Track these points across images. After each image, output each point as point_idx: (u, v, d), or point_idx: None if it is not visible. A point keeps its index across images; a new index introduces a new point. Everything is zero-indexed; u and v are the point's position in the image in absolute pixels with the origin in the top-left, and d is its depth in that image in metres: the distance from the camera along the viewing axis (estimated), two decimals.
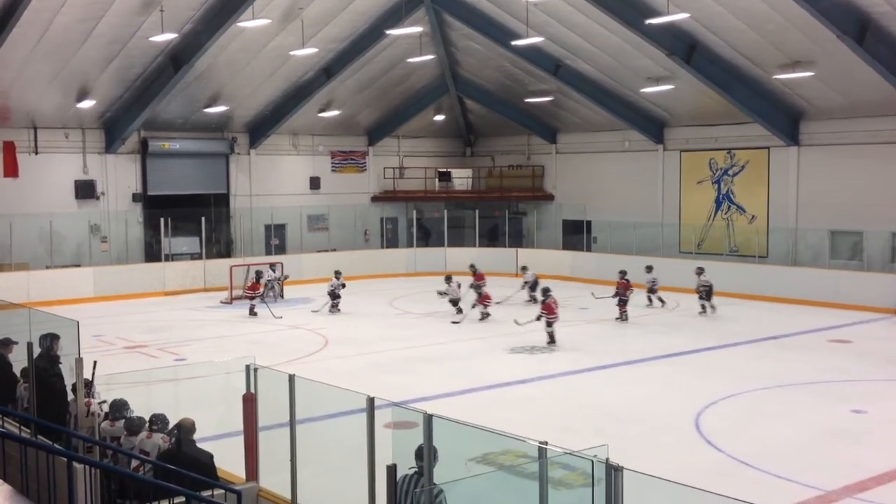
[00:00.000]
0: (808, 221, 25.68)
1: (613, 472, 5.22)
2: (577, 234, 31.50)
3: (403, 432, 6.98)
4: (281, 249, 30.83)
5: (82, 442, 8.28)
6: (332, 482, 9.59)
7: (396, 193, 34.51)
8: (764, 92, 25.02)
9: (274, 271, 24.95)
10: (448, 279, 22.38)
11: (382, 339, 19.29)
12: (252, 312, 22.44)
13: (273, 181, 31.64)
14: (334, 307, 22.74)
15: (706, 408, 13.42)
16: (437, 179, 35.03)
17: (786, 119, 25.80)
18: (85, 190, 27.56)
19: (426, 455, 6.25)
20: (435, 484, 6.23)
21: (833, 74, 22.86)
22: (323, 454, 10.19)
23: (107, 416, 8.99)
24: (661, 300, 23.20)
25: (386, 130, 34.03)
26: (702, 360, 17.12)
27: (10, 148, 26.13)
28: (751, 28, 22.02)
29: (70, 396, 9.14)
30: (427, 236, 33.24)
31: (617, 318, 21.16)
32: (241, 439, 8.40)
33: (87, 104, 25.84)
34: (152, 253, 28.49)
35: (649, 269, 23.55)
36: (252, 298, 22.75)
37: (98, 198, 27.89)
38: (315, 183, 32.77)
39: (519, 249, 31.24)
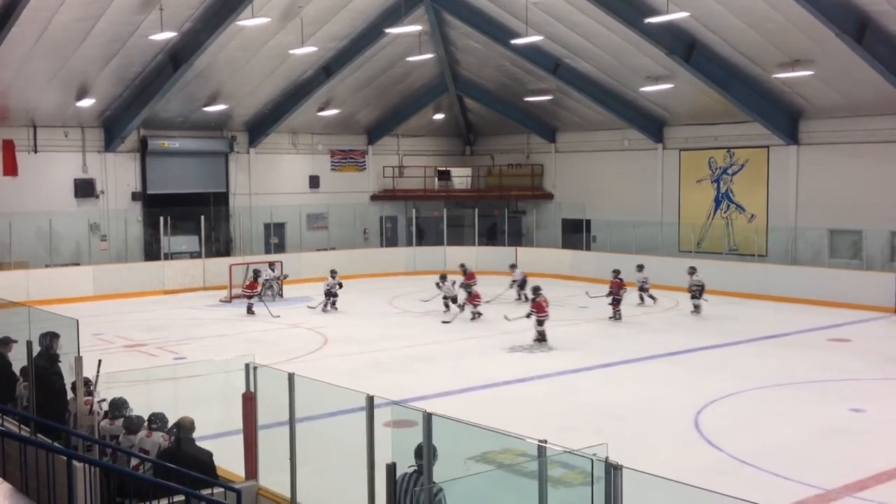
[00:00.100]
0: (808, 220, 25.69)
1: (613, 471, 5.22)
2: (576, 233, 31.50)
3: (403, 431, 6.98)
4: (280, 248, 30.83)
5: (82, 440, 8.28)
6: (332, 481, 9.59)
7: (396, 192, 34.51)
8: (763, 91, 25.02)
9: (273, 271, 24.94)
10: (443, 278, 22.37)
11: (382, 337, 19.29)
12: (250, 311, 22.43)
13: (272, 180, 31.64)
14: (332, 306, 22.75)
15: (706, 406, 13.42)
16: (436, 178, 35.02)
17: (785, 118, 25.80)
18: (84, 189, 27.56)
19: (426, 454, 6.26)
20: (434, 483, 6.23)
21: (832, 73, 22.86)
22: (322, 453, 10.19)
23: (106, 414, 8.99)
24: (652, 297, 23.30)
25: (385, 129, 34.03)
26: (701, 359, 17.12)
27: (9, 146, 26.12)
28: (750, 27, 22.01)
29: (69, 395, 9.14)
30: (421, 235, 33.23)
31: (610, 318, 21.15)
32: (240, 438, 8.40)
33: (86, 103, 25.83)
34: (152, 252, 28.49)
35: (640, 267, 23.61)
36: (250, 297, 22.74)
37: (97, 196, 27.89)
38: (314, 182, 32.77)
39: (518, 248, 31.24)
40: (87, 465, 7.03)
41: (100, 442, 8.39)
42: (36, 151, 26.71)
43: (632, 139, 30.22)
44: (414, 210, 32.96)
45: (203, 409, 10.83)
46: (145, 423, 8.55)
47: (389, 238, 34.37)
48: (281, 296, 25.13)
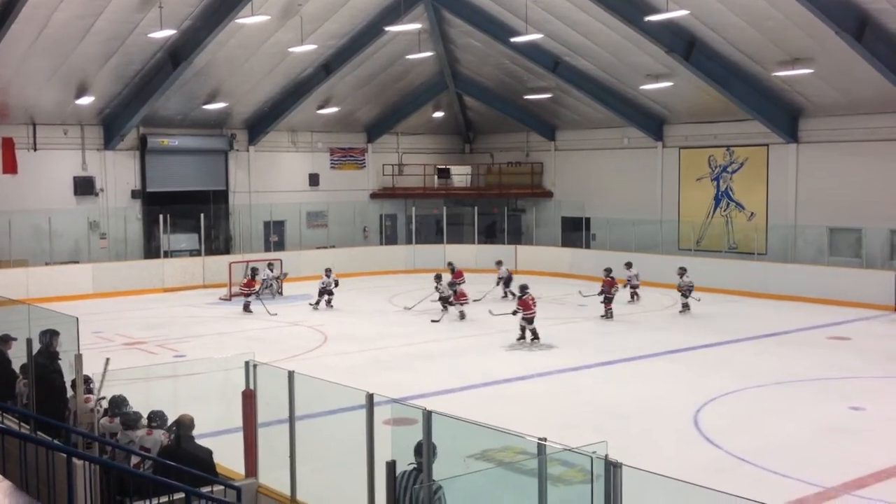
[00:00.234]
0: (807, 218, 25.69)
1: (612, 469, 5.22)
2: (575, 231, 31.50)
3: (403, 429, 6.98)
4: (280, 246, 30.83)
5: (82, 438, 8.28)
6: (332, 478, 9.59)
7: (395, 190, 34.50)
8: (763, 89, 25.02)
9: (272, 270, 24.92)
10: (438, 278, 22.35)
11: (381, 335, 19.29)
12: (247, 309, 22.43)
13: (272, 178, 31.62)
14: (327, 304, 22.76)
15: (705, 404, 13.43)
16: (436, 176, 35.01)
17: (785, 116, 25.80)
18: (84, 186, 27.55)
19: (425, 451, 6.26)
20: (434, 480, 6.23)
21: (832, 71, 22.86)
22: (322, 450, 10.19)
23: (106, 412, 8.99)
24: (637, 295, 23.46)
25: (385, 127, 34.01)
26: (701, 357, 17.13)
27: (8, 144, 26.10)
28: (750, 25, 22.01)
29: (69, 392, 9.14)
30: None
31: (602, 316, 21.12)
32: (240, 436, 8.40)
33: (85, 100, 25.81)
34: (151, 249, 28.49)
35: (629, 265, 23.69)
36: (247, 295, 22.73)
37: (97, 194, 27.87)
38: (314, 180, 32.76)
39: (518, 246, 31.27)
40: (86, 463, 7.04)
41: (99, 439, 8.39)
42: (35, 149, 26.70)
43: (631, 137, 30.21)
44: (414, 208, 32.93)
45: (203, 406, 10.84)
46: (143, 420, 8.55)
47: (389, 236, 34.37)
48: (281, 294, 25.13)
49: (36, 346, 9.47)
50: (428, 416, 6.22)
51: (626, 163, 30.66)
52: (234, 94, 28.56)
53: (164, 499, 6.89)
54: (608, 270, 21.70)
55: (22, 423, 8.81)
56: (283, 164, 32.12)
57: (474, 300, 22.36)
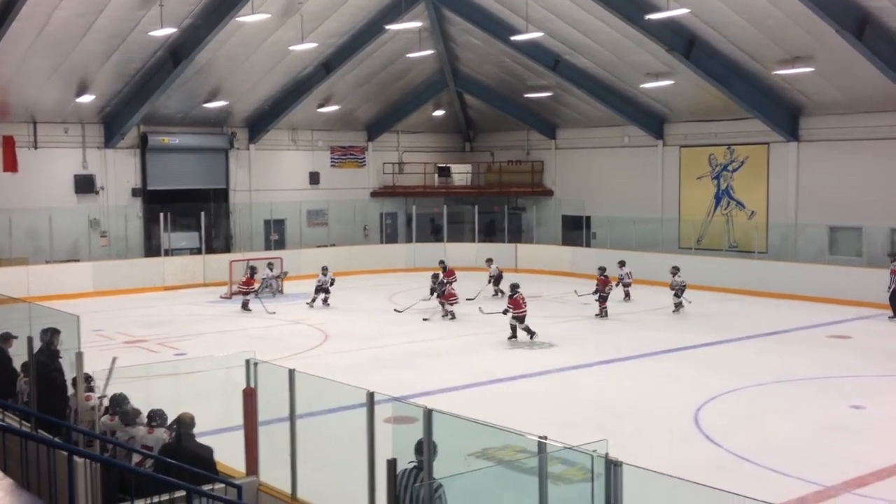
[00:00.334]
0: (808, 217, 25.69)
1: (613, 467, 5.23)
2: (576, 230, 31.51)
3: (403, 427, 6.99)
4: (280, 244, 30.84)
5: (82, 436, 8.29)
6: (332, 477, 9.60)
7: (396, 189, 34.50)
8: (763, 87, 25.01)
9: (272, 270, 24.93)
10: (435, 277, 22.37)
11: (382, 334, 19.30)
12: (245, 308, 22.42)
13: (272, 176, 31.63)
14: (323, 302, 22.78)
15: (705, 403, 13.44)
16: (436, 175, 35.01)
17: (785, 115, 25.79)
18: (84, 185, 27.55)
19: (426, 450, 6.27)
20: (434, 479, 6.24)
21: (832, 70, 22.85)
22: (323, 449, 10.20)
23: (107, 410, 9.00)
24: (629, 294, 23.53)
25: (385, 126, 34.01)
26: (701, 356, 17.13)
27: (9, 142, 26.10)
28: (750, 23, 22.00)
29: (70, 391, 9.15)
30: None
31: (596, 315, 21.11)
32: (241, 434, 8.41)
33: (86, 99, 25.82)
34: (152, 248, 28.49)
35: (622, 263, 23.76)
36: (246, 294, 22.73)
37: (97, 192, 27.88)
38: (314, 178, 32.76)
39: (518, 245, 31.28)
40: (87, 461, 7.04)
41: (100, 437, 8.40)
42: (36, 147, 26.70)
43: (632, 136, 30.21)
44: (414, 207, 32.92)
45: (203, 404, 10.84)
46: (142, 416, 8.55)
47: (389, 234, 34.37)
48: (281, 292, 25.13)
49: (37, 345, 9.48)
50: (428, 414, 6.22)
51: (627, 161, 30.66)
52: (235, 93, 28.56)
53: (165, 497, 6.89)
54: (602, 269, 21.71)
55: (23, 421, 8.81)
56: (283, 163, 32.11)
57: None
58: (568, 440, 6.03)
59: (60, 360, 9.60)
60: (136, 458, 8.04)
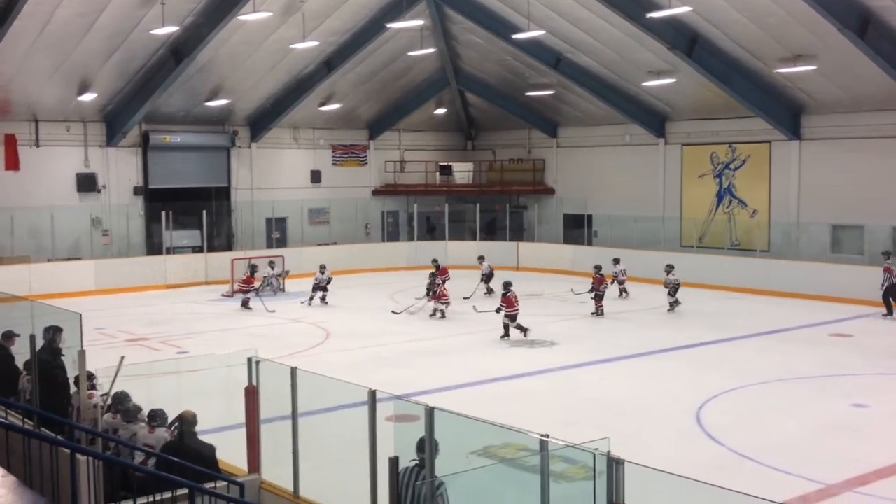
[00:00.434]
0: (810, 215, 25.67)
1: (615, 466, 5.23)
2: (577, 228, 31.50)
3: (405, 425, 7.00)
4: (282, 243, 30.86)
5: (85, 434, 8.30)
6: (334, 474, 9.61)
7: (397, 187, 34.50)
8: (765, 86, 25.00)
9: (273, 269, 24.94)
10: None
11: (384, 332, 19.30)
12: (245, 306, 22.43)
13: (274, 174, 31.64)
14: (321, 300, 22.81)
15: (707, 401, 13.43)
16: (437, 173, 35.02)
17: (787, 113, 25.77)
18: (86, 183, 27.57)
19: (428, 448, 6.27)
20: (436, 476, 6.25)
21: (834, 68, 22.83)
22: (325, 447, 10.20)
23: (109, 408, 9.01)
24: (625, 291, 23.57)
25: (387, 124, 34.01)
26: (703, 355, 17.13)
27: (11, 141, 26.13)
28: (752, 21, 21.99)
29: (72, 389, 9.16)
30: (432, 229, 33.24)
31: (592, 314, 21.10)
32: (243, 432, 8.42)
33: (88, 97, 25.83)
34: (153, 246, 28.51)
35: (616, 261, 23.79)
36: (246, 292, 22.74)
37: (99, 191, 27.90)
38: (316, 176, 32.76)
39: (520, 243, 31.28)
40: (90, 459, 7.06)
41: (103, 435, 8.41)
42: (38, 146, 26.72)
43: (633, 134, 30.19)
44: (416, 205, 32.91)
45: (205, 402, 10.85)
46: (143, 413, 8.55)
47: (391, 233, 34.37)
48: (283, 291, 25.15)
49: (39, 343, 9.49)
50: (430, 412, 6.23)
51: (629, 160, 30.64)
52: (237, 91, 28.56)
53: (168, 494, 6.90)
54: (598, 267, 21.70)
55: (26, 420, 8.82)
56: (285, 161, 32.12)
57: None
58: (569, 439, 6.03)
59: (63, 358, 9.61)
60: (138, 457, 8.05)
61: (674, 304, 21.63)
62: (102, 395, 9.23)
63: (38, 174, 26.62)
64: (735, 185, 27.87)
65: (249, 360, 8.26)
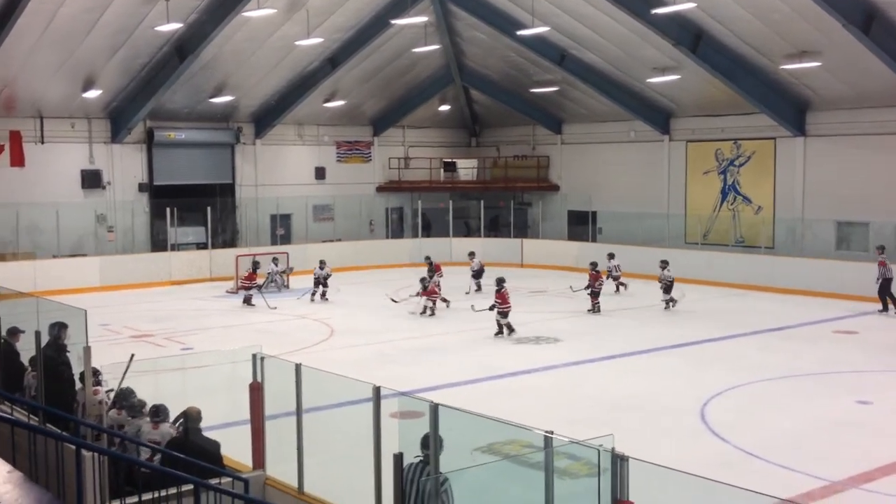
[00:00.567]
0: (815, 212, 25.62)
1: (619, 462, 5.23)
2: (582, 225, 31.47)
3: (409, 422, 7.00)
4: (286, 239, 30.88)
5: (90, 430, 8.32)
6: (339, 471, 9.62)
7: (401, 184, 34.49)
8: (770, 82, 24.94)
9: (276, 265, 24.95)
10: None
11: (387, 329, 19.31)
12: (247, 302, 22.44)
13: (278, 171, 31.66)
14: (322, 297, 22.84)
15: (712, 398, 13.42)
16: (442, 170, 35.01)
17: (792, 109, 25.71)
18: (91, 180, 27.62)
19: (432, 444, 6.27)
20: (441, 473, 6.25)
21: (840, 65, 22.77)
22: (329, 443, 10.22)
23: (114, 404, 9.03)
24: (623, 285, 23.62)
25: (391, 121, 34.01)
26: (707, 351, 17.11)
27: (16, 137, 26.16)
28: (757, 18, 21.93)
29: (78, 385, 9.18)
30: (428, 226, 33.24)
31: (589, 310, 21.05)
32: (247, 428, 8.43)
33: (92, 94, 25.86)
34: (158, 243, 28.55)
35: (611, 256, 23.81)
36: (248, 289, 22.75)
37: (104, 187, 27.94)
38: (320, 173, 32.77)
39: (524, 240, 31.26)
40: (95, 454, 7.07)
41: (108, 431, 8.43)
42: (43, 142, 26.76)
43: (638, 131, 30.15)
44: (420, 202, 32.90)
45: (210, 399, 10.87)
46: (146, 409, 8.57)
47: (395, 229, 34.38)
48: (287, 287, 25.17)
49: (44, 339, 9.51)
50: (434, 408, 6.23)
51: (633, 156, 30.60)
52: (241, 88, 28.58)
53: (173, 490, 6.91)
54: (594, 264, 21.68)
55: (31, 415, 8.85)
56: (289, 158, 32.14)
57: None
58: (573, 435, 6.04)
59: (68, 354, 9.63)
60: (143, 453, 8.07)
61: (669, 302, 21.50)
62: (108, 392, 9.25)
63: (43, 171, 26.66)
64: (740, 181, 27.82)
65: (254, 356, 8.27)
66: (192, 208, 28.41)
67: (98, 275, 25.24)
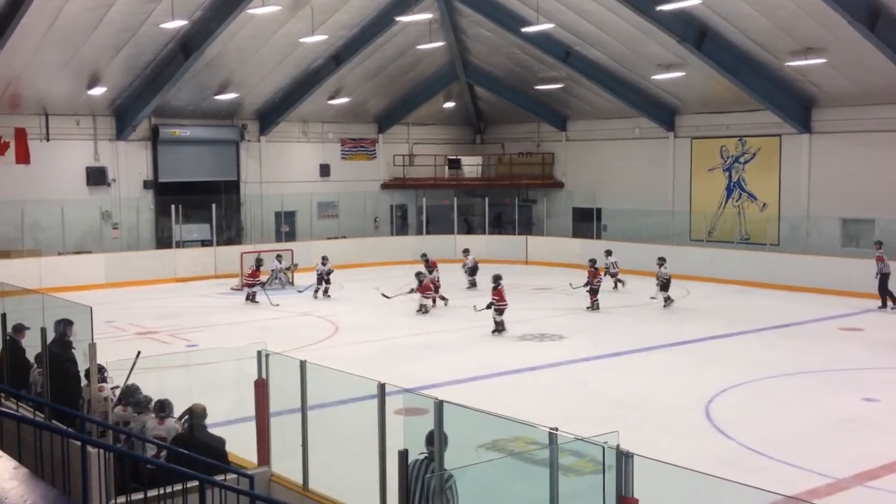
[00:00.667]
0: (820, 209, 25.57)
1: (624, 459, 5.23)
2: (586, 222, 31.44)
3: (414, 418, 7.01)
4: (291, 236, 30.90)
5: (96, 426, 8.34)
6: (344, 467, 9.64)
7: (406, 181, 34.50)
8: (775, 79, 24.88)
9: (280, 262, 24.98)
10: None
11: (392, 326, 19.33)
12: (252, 300, 22.46)
13: (283, 168, 31.68)
14: (324, 293, 22.89)
15: (716, 395, 13.41)
16: (446, 167, 35.00)
17: (797, 106, 25.65)
18: (96, 177, 27.67)
19: (437, 441, 6.28)
20: (445, 469, 6.26)
21: (845, 61, 22.71)
22: (334, 440, 10.24)
23: (119, 400, 9.05)
24: (621, 281, 23.68)
25: (395, 118, 34.00)
26: (712, 348, 17.10)
27: (21, 135, 26.22)
28: (762, 14, 21.88)
29: (83, 381, 9.20)
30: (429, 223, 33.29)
31: (587, 308, 21.02)
32: (252, 425, 8.45)
33: (97, 91, 25.90)
34: (163, 240, 28.60)
35: (608, 252, 23.82)
36: (252, 286, 22.78)
37: (109, 185, 27.99)
38: (325, 170, 32.79)
39: (529, 237, 31.25)
40: (101, 451, 7.09)
41: (114, 427, 8.45)
42: (48, 139, 26.81)
43: (643, 127, 30.11)
44: (424, 199, 32.91)
45: (215, 396, 10.90)
46: (151, 404, 8.59)
47: (400, 226, 34.39)
48: (292, 284, 25.19)
49: (50, 336, 9.54)
50: (439, 405, 6.23)
51: (638, 153, 30.56)
52: (245, 85, 28.59)
53: (178, 487, 6.93)
54: (592, 261, 21.66)
55: (37, 412, 8.88)
56: (294, 155, 32.15)
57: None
58: (578, 432, 6.03)
59: (73, 350, 9.66)
60: (149, 450, 8.09)
61: (667, 301, 21.43)
62: (113, 388, 9.27)
63: (49, 168, 26.72)
64: (745, 178, 27.78)
65: (259, 353, 8.28)
66: (197, 205, 28.45)
67: (103, 272, 25.29)
